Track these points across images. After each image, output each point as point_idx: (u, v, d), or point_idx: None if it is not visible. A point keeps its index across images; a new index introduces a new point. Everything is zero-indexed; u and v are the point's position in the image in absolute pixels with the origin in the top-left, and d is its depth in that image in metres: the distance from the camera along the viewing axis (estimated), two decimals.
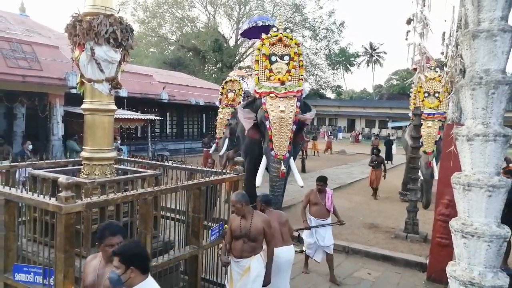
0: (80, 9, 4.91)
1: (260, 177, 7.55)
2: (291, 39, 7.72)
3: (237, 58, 38.36)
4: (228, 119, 13.10)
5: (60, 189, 3.33)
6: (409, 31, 3.33)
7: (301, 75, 7.62)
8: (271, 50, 7.62)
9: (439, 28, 3.82)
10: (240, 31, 10.90)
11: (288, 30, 7.96)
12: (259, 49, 7.63)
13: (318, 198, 5.96)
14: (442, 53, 4.20)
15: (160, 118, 18.41)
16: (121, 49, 4.94)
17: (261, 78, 7.58)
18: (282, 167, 7.11)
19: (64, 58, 12.90)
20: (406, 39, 3.42)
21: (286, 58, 7.60)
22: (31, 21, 17.63)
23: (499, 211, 2.52)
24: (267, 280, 4.12)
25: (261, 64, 7.61)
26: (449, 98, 3.63)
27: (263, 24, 10.40)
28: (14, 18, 16.59)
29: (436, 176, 9.88)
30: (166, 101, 19.72)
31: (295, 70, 7.60)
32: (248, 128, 7.76)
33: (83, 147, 4.94)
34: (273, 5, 35.83)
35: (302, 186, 7.50)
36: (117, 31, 4.76)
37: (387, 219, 9.43)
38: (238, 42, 37.96)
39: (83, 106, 4.87)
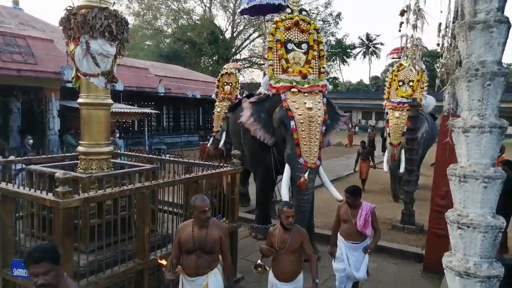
0: (75, 2, 4.87)
1: (287, 192, 5.89)
2: (309, 23, 6.31)
3: (233, 50, 38.17)
4: (225, 112, 13.06)
5: (57, 184, 3.34)
6: (403, 23, 3.33)
7: (323, 67, 6.27)
8: (286, 35, 6.20)
9: (435, 19, 3.81)
10: (241, 7, 9.00)
11: (304, 13, 6.45)
12: (272, 34, 6.15)
13: (348, 214, 4.69)
14: (438, 45, 4.20)
15: (157, 112, 18.35)
16: (117, 42, 4.92)
17: (276, 69, 6.14)
18: (308, 176, 5.69)
19: (59, 51, 12.81)
20: (399, 30, 3.42)
21: (305, 46, 6.22)
22: (25, 14, 17.46)
23: (494, 202, 2.54)
24: None
25: (275, 53, 6.13)
26: (444, 89, 3.64)
27: (273, 2, 8.27)
28: (7, 11, 16.41)
29: (402, 169, 9.58)
30: (162, 94, 19.65)
31: (316, 61, 6.23)
32: (258, 133, 6.26)
33: (79, 142, 4.93)
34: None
35: (341, 200, 5.57)
36: (112, 25, 4.73)
37: (383, 210, 9.47)
38: (235, 35, 37.75)
39: (79, 100, 4.85)
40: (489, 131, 2.40)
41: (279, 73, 6.13)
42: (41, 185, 4.21)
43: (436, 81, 5.07)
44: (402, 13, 3.27)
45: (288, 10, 6.38)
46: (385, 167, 10.74)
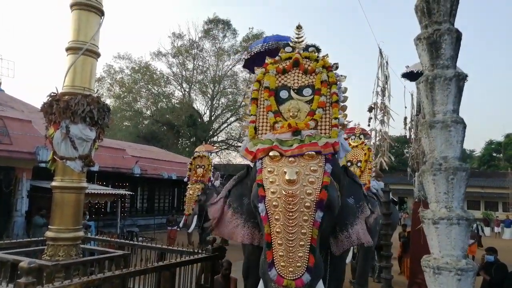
0: (58, 88, 5.04)
1: None
2: (317, 60, 4.41)
3: (211, 133, 39.12)
4: (197, 195, 13.04)
5: (19, 273, 3.16)
6: (371, 118, 3.59)
7: (335, 118, 4.11)
8: (280, 80, 4.42)
9: (399, 115, 4.16)
10: (245, 56, 6.37)
11: (312, 49, 4.58)
12: (258, 81, 4.46)
13: None
14: (405, 137, 4.52)
15: (131, 193, 18.04)
16: (97, 127, 5.03)
17: (260, 128, 4.28)
18: None
19: (36, 132, 12.80)
20: (369, 125, 3.68)
21: (308, 91, 4.30)
22: (5, 95, 17.68)
23: None
24: None
25: (261, 105, 4.36)
26: (415, 178, 3.84)
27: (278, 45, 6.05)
28: None
29: (349, 259, 8.07)
30: (138, 175, 19.48)
31: (325, 110, 4.17)
32: (239, 235, 4.09)
33: (49, 226, 4.76)
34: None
35: None
36: (94, 110, 4.88)
37: None
38: (213, 118, 38.99)
39: (53, 183, 4.79)
40: (457, 223, 2.51)
41: (264, 132, 4.24)
42: (2, 274, 3.95)
43: (408, 170, 5.39)
44: (370, 110, 3.56)
45: (288, 49, 4.61)
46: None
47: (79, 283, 3.52)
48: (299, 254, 3.30)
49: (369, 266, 9.48)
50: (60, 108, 4.73)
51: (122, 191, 15.92)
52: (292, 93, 4.34)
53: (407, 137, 4.36)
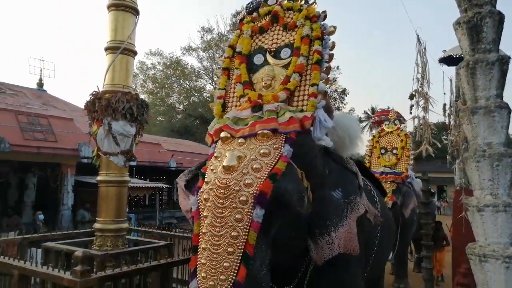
0: (100, 86, 5.27)
1: None
2: (300, 9, 3.34)
3: None
4: None
5: (72, 261, 3.37)
6: (413, 106, 3.54)
7: (314, 84, 3.00)
8: (256, 43, 3.48)
9: (439, 101, 4.07)
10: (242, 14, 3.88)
11: (302, 1, 3.44)
12: (231, 47, 3.57)
13: None
14: (444, 123, 4.42)
15: (168, 186, 18.53)
16: (137, 123, 5.23)
17: (230, 104, 3.41)
18: None
19: (78, 129, 13.41)
20: (410, 113, 3.62)
21: (286, 53, 3.27)
22: (48, 95, 18.55)
23: None
24: None
25: (233, 75, 3.46)
26: (455, 166, 3.76)
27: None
28: (32, 93, 17.52)
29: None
30: (173, 168, 19.97)
31: (304, 75, 3.10)
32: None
33: (96, 218, 5.02)
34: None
35: None
36: (133, 107, 5.07)
37: None
38: None
39: (99, 178, 5.03)
40: (503, 210, 2.46)
41: (232, 107, 3.39)
42: (59, 263, 4.22)
43: (447, 157, 5.25)
44: (411, 97, 3.50)
45: (271, 1, 3.56)
46: None
47: (129, 271, 3.71)
48: (224, 264, 2.42)
49: (407, 256, 9.13)
50: (102, 106, 4.95)
51: (159, 184, 16.42)
52: (268, 56, 3.35)
53: (447, 123, 4.25)
